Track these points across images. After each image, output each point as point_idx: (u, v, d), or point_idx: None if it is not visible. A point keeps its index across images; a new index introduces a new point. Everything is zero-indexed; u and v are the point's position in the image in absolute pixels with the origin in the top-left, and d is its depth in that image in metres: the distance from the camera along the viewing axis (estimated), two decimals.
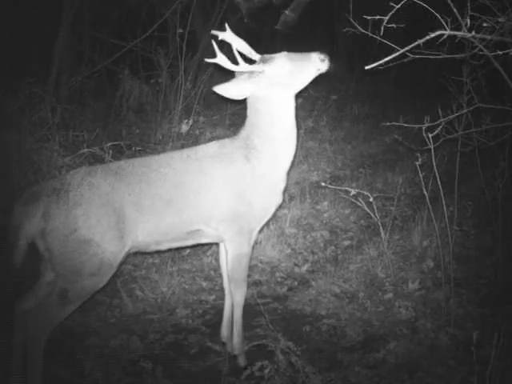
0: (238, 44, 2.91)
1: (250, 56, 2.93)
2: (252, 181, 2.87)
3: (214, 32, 2.91)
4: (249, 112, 2.92)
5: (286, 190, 3.07)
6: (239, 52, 2.84)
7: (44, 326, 2.60)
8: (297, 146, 2.97)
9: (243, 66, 2.79)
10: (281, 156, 2.92)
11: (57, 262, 2.59)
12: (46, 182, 2.96)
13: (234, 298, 3.00)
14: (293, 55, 2.86)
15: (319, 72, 2.87)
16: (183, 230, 2.86)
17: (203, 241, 3.02)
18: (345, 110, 7.45)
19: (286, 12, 2.92)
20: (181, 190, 2.79)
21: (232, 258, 2.94)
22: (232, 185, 2.84)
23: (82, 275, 2.59)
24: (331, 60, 2.85)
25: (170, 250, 3.17)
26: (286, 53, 2.86)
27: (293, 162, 2.99)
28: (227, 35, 2.90)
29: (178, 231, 2.86)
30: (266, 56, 2.86)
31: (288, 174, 3.00)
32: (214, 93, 2.85)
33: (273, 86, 2.82)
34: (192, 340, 3.26)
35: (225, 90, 2.82)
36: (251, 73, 2.81)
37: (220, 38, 2.89)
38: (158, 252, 3.33)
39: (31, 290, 2.77)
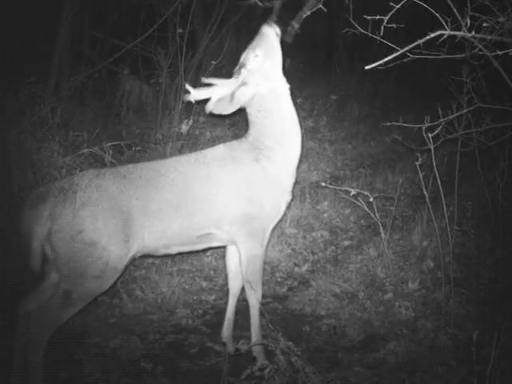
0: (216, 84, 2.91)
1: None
2: (262, 182, 2.87)
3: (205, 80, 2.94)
4: (254, 116, 2.91)
5: (299, 187, 3.06)
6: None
7: (46, 327, 2.60)
8: (305, 137, 2.97)
9: (232, 82, 2.84)
10: (292, 150, 2.93)
11: (62, 262, 2.58)
12: (53, 182, 2.95)
13: (249, 300, 2.99)
14: (253, 43, 2.88)
15: (279, 36, 2.89)
16: (193, 234, 2.84)
17: (214, 244, 3.01)
18: (345, 109, 7.46)
19: (294, 23, 2.94)
20: (189, 195, 2.78)
21: (246, 260, 2.93)
22: (241, 188, 2.83)
23: (86, 277, 2.59)
24: (276, 20, 2.89)
25: (180, 254, 3.13)
26: (248, 48, 2.89)
27: (301, 155, 2.99)
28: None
29: (188, 235, 2.84)
30: (240, 63, 2.88)
31: (298, 167, 3.00)
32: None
33: (268, 75, 2.85)
34: (192, 340, 3.26)
35: (223, 107, 2.84)
36: (242, 81, 2.83)
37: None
38: (168, 255, 3.33)
39: (35, 291, 2.77)
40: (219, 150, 2.94)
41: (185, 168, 2.84)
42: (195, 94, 2.88)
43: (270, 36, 2.86)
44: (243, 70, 2.84)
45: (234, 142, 2.99)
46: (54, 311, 2.60)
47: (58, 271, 2.64)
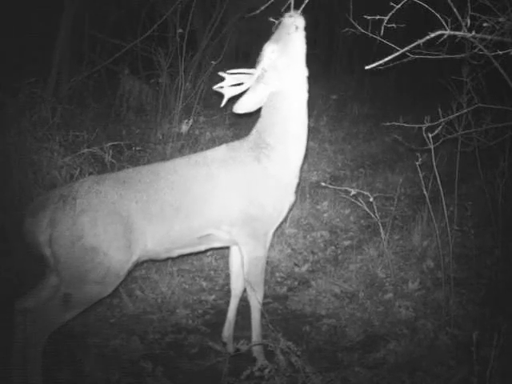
0: (236, 78, 2.86)
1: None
2: (264, 183, 2.84)
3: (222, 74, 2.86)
4: (264, 112, 2.88)
5: (299, 187, 3.03)
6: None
7: (43, 328, 2.59)
8: (308, 138, 2.93)
9: (247, 79, 2.80)
10: (294, 151, 2.89)
11: (63, 267, 2.57)
12: (53, 190, 2.95)
13: (250, 301, 2.98)
14: (276, 34, 2.80)
15: (299, 29, 2.77)
16: (194, 235, 2.82)
17: (215, 245, 2.99)
18: (345, 110, 7.47)
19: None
20: (190, 197, 2.76)
21: (248, 261, 2.91)
22: (242, 189, 2.81)
23: (87, 282, 2.58)
24: (299, 12, 2.78)
25: (181, 256, 3.11)
26: (270, 39, 2.82)
27: (305, 156, 2.95)
28: (227, 82, 2.84)
29: (189, 237, 2.82)
30: (259, 58, 2.83)
31: (301, 169, 2.97)
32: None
33: (282, 74, 2.80)
34: (192, 340, 3.26)
35: (245, 105, 2.81)
36: (257, 78, 2.80)
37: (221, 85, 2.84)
38: (170, 259, 3.31)
39: (34, 289, 2.76)
40: (220, 151, 2.91)
41: (185, 170, 2.82)
42: (227, 90, 2.82)
43: (289, 28, 2.76)
44: (258, 67, 2.80)
45: (236, 143, 2.96)
46: (53, 312, 2.59)
47: (58, 276, 2.63)
